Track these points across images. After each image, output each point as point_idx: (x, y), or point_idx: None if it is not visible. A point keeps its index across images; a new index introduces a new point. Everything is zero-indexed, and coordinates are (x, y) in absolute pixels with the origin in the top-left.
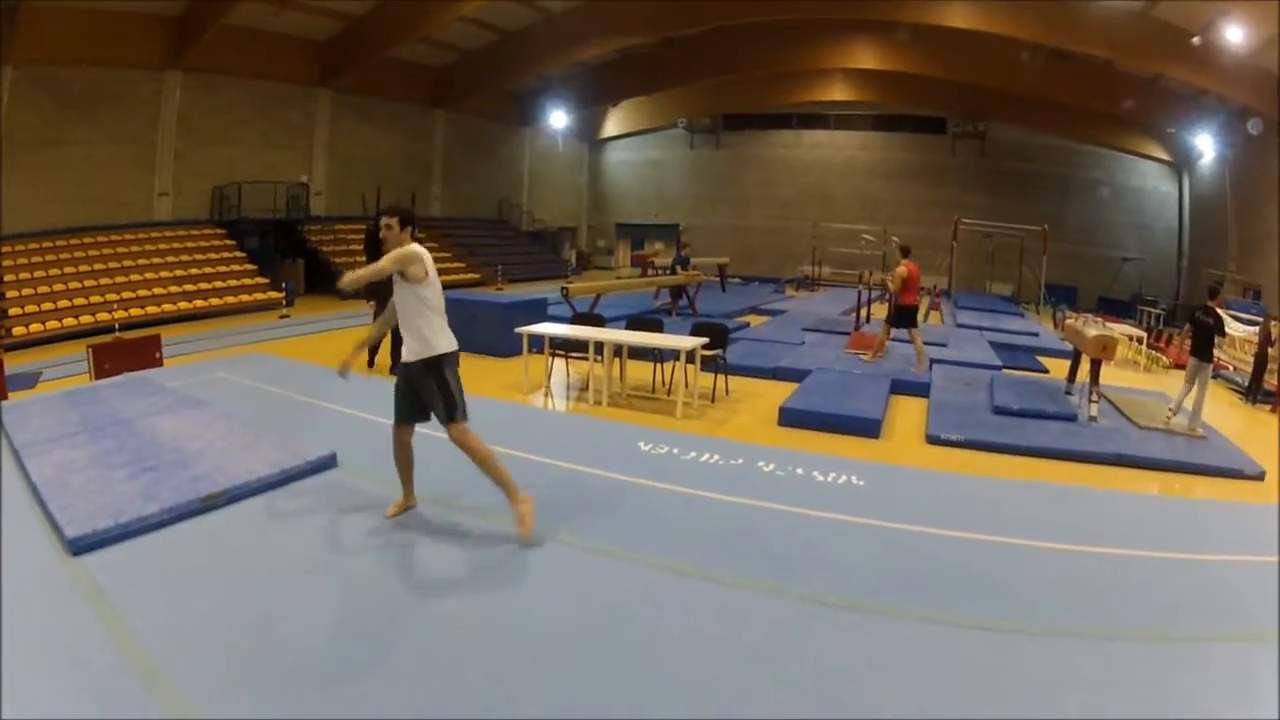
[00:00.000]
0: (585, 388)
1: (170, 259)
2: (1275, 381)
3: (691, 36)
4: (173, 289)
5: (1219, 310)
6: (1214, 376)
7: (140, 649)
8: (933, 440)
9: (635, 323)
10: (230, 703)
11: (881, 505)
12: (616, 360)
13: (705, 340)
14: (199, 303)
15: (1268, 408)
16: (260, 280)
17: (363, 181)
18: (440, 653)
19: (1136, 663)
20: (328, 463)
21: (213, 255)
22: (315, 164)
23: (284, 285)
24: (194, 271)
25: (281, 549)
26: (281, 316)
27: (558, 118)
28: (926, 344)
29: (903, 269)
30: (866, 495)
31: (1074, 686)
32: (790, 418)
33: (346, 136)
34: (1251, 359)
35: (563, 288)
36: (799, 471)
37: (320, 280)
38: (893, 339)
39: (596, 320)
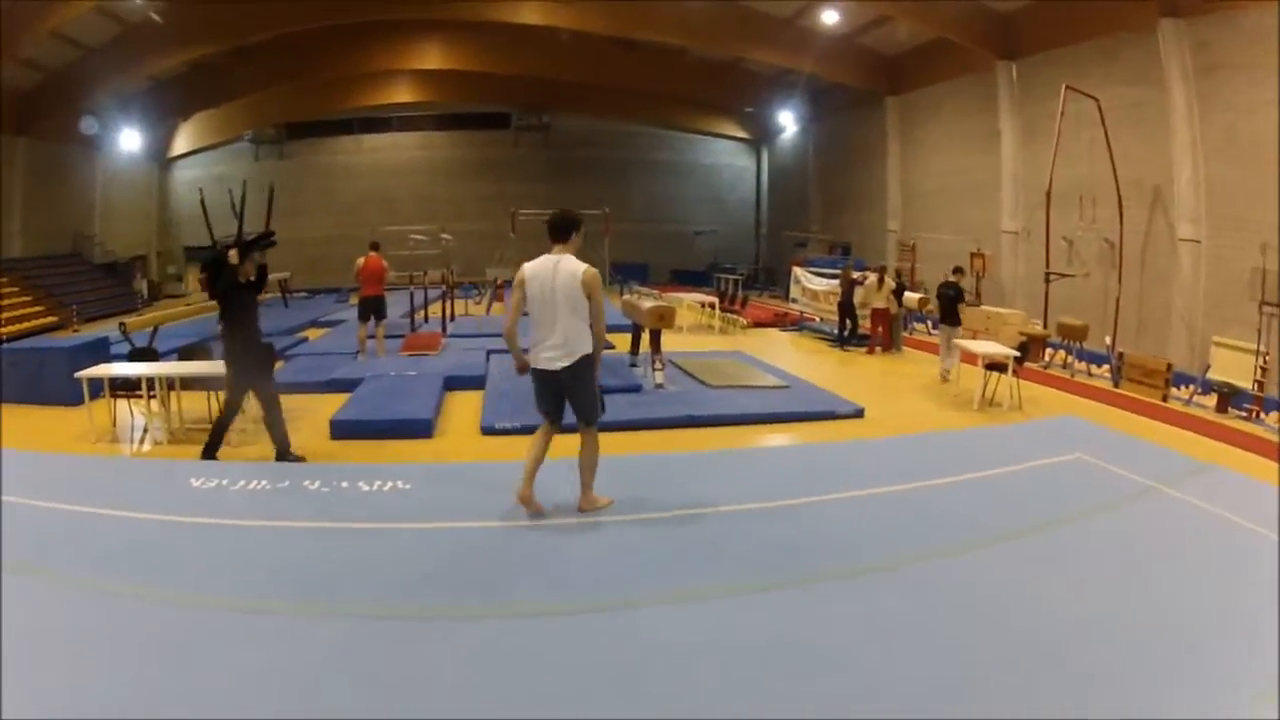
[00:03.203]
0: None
1: None
2: (869, 326)
3: (259, 44)
4: None
5: (959, 283)
6: (799, 329)
7: None
8: (487, 431)
9: (185, 352)
10: None
11: (426, 507)
12: (174, 393)
13: None
14: None
15: (863, 350)
16: None
17: None
18: None
19: (763, 615)
20: None
21: None
22: None
23: None
24: None
25: None
26: None
27: (129, 138)
28: (485, 335)
29: (360, 261)
30: (412, 498)
31: (668, 653)
32: (342, 430)
33: None
34: (836, 309)
35: (120, 323)
36: (344, 485)
37: None
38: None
39: (151, 354)
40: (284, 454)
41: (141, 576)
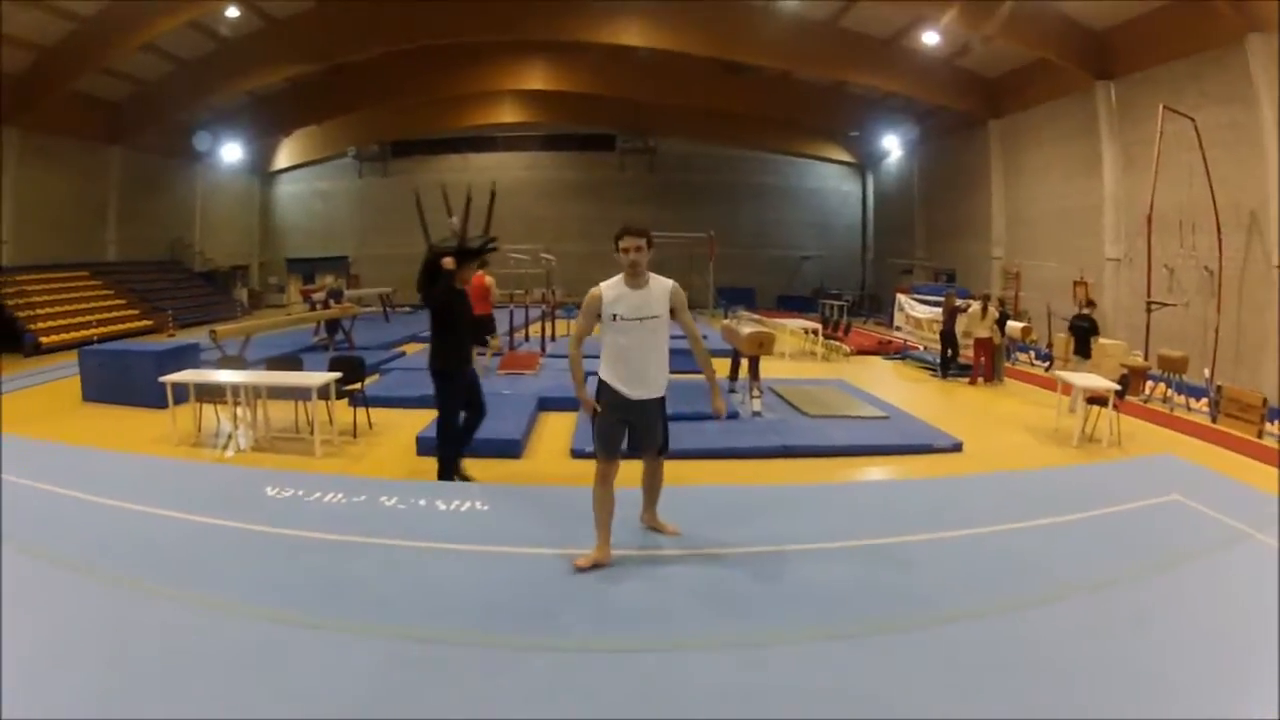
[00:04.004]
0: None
1: None
2: (972, 355)
3: (360, 63)
4: None
5: (1092, 315)
6: (902, 357)
7: None
8: (578, 455)
9: (274, 362)
10: None
11: (501, 529)
12: (260, 402)
13: (337, 375)
14: None
15: (964, 380)
16: None
17: (40, 229)
18: None
19: (798, 667)
20: None
21: None
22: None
23: None
24: None
25: None
26: None
27: (230, 151)
28: (586, 356)
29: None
30: (487, 520)
31: (725, 700)
32: (428, 447)
33: (29, 179)
34: (939, 337)
35: (211, 330)
36: (421, 503)
37: (3, 339)
38: (548, 355)
39: (239, 363)
40: (444, 474)
41: (192, 582)
